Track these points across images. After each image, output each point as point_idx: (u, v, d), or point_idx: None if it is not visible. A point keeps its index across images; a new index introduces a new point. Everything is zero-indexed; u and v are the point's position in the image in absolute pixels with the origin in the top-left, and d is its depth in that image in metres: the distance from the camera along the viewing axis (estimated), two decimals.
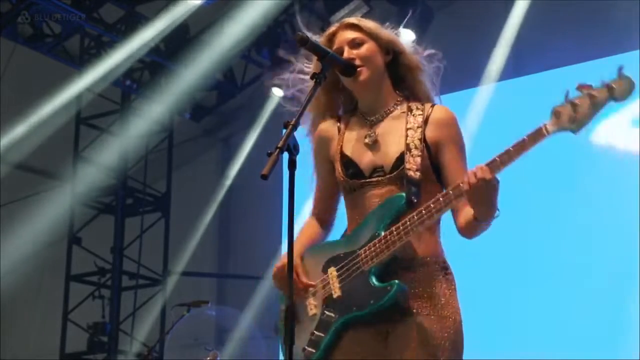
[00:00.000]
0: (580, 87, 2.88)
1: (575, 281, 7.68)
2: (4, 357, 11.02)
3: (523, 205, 8.07)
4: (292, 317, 2.87)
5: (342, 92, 3.42)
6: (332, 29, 3.37)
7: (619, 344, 7.40)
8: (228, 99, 10.74)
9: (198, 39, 9.65)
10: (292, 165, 2.93)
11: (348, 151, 3.30)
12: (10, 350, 11.12)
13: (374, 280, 3.10)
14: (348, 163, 3.28)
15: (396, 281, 3.07)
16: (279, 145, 2.88)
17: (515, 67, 8.57)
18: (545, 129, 2.92)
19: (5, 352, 11.10)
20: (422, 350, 3.04)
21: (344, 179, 3.28)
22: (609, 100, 2.82)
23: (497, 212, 3.01)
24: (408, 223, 3.06)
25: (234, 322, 9.54)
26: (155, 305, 10.26)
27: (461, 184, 2.99)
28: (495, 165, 2.95)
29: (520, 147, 2.94)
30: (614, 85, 2.82)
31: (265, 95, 10.15)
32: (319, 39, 3.33)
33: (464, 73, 8.29)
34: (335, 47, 3.31)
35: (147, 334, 10.16)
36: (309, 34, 3.24)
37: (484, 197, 2.98)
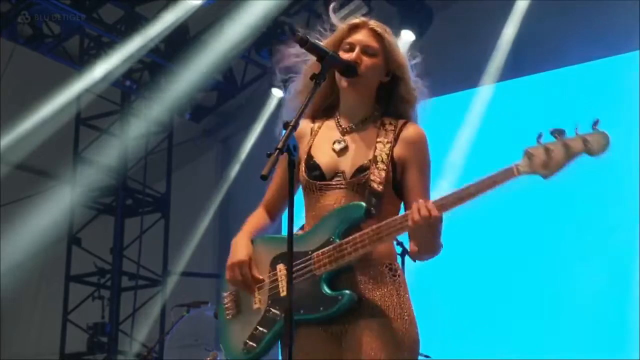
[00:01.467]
0: (554, 132, 2.83)
1: (575, 281, 7.68)
2: (4, 358, 11.02)
3: (522, 206, 8.08)
4: (291, 317, 2.86)
5: (333, 93, 3.42)
6: (357, 21, 3.38)
7: (619, 344, 7.40)
8: (228, 99, 10.74)
9: (198, 39, 9.64)
10: (292, 165, 2.93)
11: (315, 153, 3.32)
12: (10, 351, 11.12)
13: (325, 288, 3.13)
14: (313, 165, 3.30)
15: (347, 291, 3.10)
16: (279, 146, 2.88)
17: (515, 68, 8.57)
18: (517, 169, 2.91)
19: (5, 353, 11.10)
20: (366, 351, 3.06)
21: (306, 179, 3.30)
22: (583, 153, 2.80)
23: (440, 248, 3.09)
24: (365, 237, 3.09)
25: None
26: (155, 306, 10.26)
27: (408, 216, 3.02)
28: (446, 203, 2.98)
29: (486, 185, 2.93)
30: (589, 139, 2.79)
31: (265, 96, 10.16)
32: (339, 23, 3.39)
33: (463, 73, 8.29)
34: (349, 40, 3.32)
35: (147, 334, 10.17)
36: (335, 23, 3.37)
37: (424, 235, 3.03)
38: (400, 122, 3.30)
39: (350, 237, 3.11)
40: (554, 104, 8.27)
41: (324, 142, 3.34)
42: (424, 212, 2.95)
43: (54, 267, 10.75)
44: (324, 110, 3.44)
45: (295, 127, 2.96)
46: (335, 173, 3.26)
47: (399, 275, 3.20)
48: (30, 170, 10.65)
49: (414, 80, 3.36)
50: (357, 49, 3.29)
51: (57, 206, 10.15)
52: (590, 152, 2.79)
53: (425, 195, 3.19)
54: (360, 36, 3.32)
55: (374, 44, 3.30)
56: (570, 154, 2.81)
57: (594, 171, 8.02)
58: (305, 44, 3.15)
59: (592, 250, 7.68)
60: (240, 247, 3.32)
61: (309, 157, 3.32)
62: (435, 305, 7.47)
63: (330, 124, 3.39)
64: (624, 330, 7.34)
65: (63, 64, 9.55)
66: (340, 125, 3.35)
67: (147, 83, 10.21)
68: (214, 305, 7.38)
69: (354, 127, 3.33)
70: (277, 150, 2.87)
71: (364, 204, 3.14)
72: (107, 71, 9.38)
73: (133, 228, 10.50)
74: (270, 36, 9.52)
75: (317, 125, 3.40)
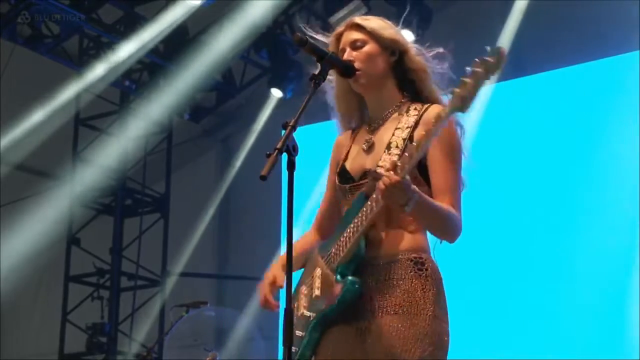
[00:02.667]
0: (472, 64, 2.81)
1: (575, 281, 7.68)
2: (3, 358, 11.02)
3: (521, 205, 8.08)
4: (290, 318, 2.87)
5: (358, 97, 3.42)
6: (340, 28, 3.37)
7: (619, 344, 7.40)
8: (227, 99, 10.73)
9: (197, 39, 9.64)
10: (291, 166, 2.93)
11: (348, 159, 3.33)
12: (9, 351, 11.12)
13: (337, 277, 3.13)
14: (342, 171, 3.31)
15: (349, 277, 3.09)
16: (278, 147, 2.88)
17: (514, 68, 8.56)
18: (444, 111, 2.88)
19: (5, 353, 11.10)
20: (389, 347, 3.04)
21: (337, 184, 3.31)
22: (486, 74, 2.77)
23: (413, 196, 2.94)
24: (357, 220, 3.09)
25: (233, 323, 9.53)
26: (154, 306, 10.26)
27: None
28: (401, 165, 2.90)
29: (425, 135, 2.89)
30: (489, 59, 2.76)
31: (264, 96, 10.15)
32: (328, 38, 3.36)
33: (462, 73, 8.28)
34: (340, 47, 3.31)
35: (146, 334, 10.16)
36: (315, 34, 3.32)
37: (396, 198, 2.94)
38: (426, 105, 3.25)
39: (350, 225, 3.12)
40: (554, 104, 8.27)
41: (357, 147, 3.34)
42: (385, 181, 2.89)
43: (53, 268, 10.74)
44: (361, 117, 3.43)
45: (294, 127, 2.95)
46: (363, 173, 3.23)
47: (426, 269, 3.12)
48: (29, 170, 10.64)
49: (416, 48, 3.33)
50: (347, 50, 3.28)
51: (56, 206, 10.14)
52: (489, 70, 2.76)
53: (448, 175, 3.14)
54: (346, 37, 3.32)
55: (357, 36, 3.29)
56: (476, 78, 2.78)
57: (594, 171, 8.05)
58: (304, 45, 3.15)
59: (592, 250, 7.68)
60: (267, 273, 3.40)
61: (342, 166, 3.33)
62: None
63: (364, 127, 3.38)
64: (624, 330, 7.34)
65: (62, 64, 9.54)
66: (370, 125, 3.33)
67: (146, 83, 10.20)
68: (213, 306, 7.39)
69: (380, 122, 3.30)
70: (277, 151, 2.87)
71: (364, 192, 3.14)
72: (106, 71, 9.38)
73: (132, 228, 10.50)
74: (269, 37, 9.52)
75: (355, 134, 3.40)
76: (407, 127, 3.18)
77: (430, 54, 3.34)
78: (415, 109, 3.24)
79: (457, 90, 2.82)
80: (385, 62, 3.30)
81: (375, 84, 3.29)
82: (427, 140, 2.88)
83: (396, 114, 3.27)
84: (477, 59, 2.79)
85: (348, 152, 3.37)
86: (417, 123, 3.18)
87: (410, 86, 3.33)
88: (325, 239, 3.39)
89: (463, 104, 2.81)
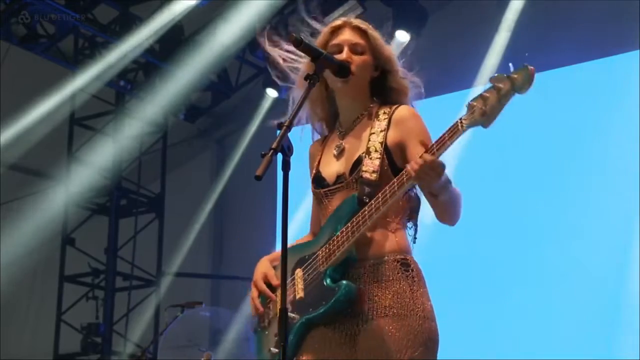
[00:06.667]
0: (491, 80, 2.80)
1: (574, 280, 7.68)
2: None
3: (519, 203, 8.08)
4: (285, 317, 2.86)
5: (330, 101, 3.44)
6: (339, 22, 3.38)
7: (618, 344, 7.40)
8: (222, 99, 10.73)
9: (192, 39, 9.64)
10: (286, 166, 2.94)
11: (321, 166, 3.36)
12: (4, 351, 11.10)
13: (327, 281, 3.13)
14: (318, 177, 3.34)
15: (344, 282, 3.10)
16: (273, 146, 2.89)
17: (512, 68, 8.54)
18: (461, 124, 2.87)
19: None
20: (381, 350, 3.05)
21: (313, 190, 3.35)
22: (512, 92, 2.75)
23: (449, 182, 2.99)
24: (354, 222, 3.08)
25: (227, 323, 9.52)
26: (149, 306, 10.25)
27: (404, 172, 2.97)
28: (436, 147, 2.92)
29: (440, 145, 2.90)
30: (515, 77, 2.75)
31: (259, 96, 10.15)
32: (322, 28, 3.39)
33: (459, 73, 8.28)
34: (335, 42, 3.32)
35: (141, 334, 10.15)
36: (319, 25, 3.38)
37: (431, 178, 2.94)
38: (394, 107, 3.28)
39: (343, 227, 3.11)
40: (553, 104, 8.25)
41: (328, 153, 3.37)
42: (419, 161, 2.91)
43: (48, 268, 10.73)
44: (332, 123, 3.45)
45: (289, 127, 2.96)
46: (337, 177, 3.27)
47: (412, 270, 3.15)
48: (24, 170, 10.63)
49: (402, 71, 3.35)
50: (345, 49, 3.29)
51: (51, 206, 10.13)
52: (516, 89, 2.74)
53: None
54: (346, 36, 3.32)
55: (360, 41, 3.31)
56: (501, 97, 2.76)
57: (594, 170, 8.04)
58: (299, 44, 3.16)
59: (592, 250, 7.68)
60: (256, 269, 3.39)
61: (317, 172, 3.36)
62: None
63: (334, 134, 3.41)
64: (624, 330, 7.34)
65: (57, 64, 9.53)
66: (340, 130, 3.37)
67: (141, 83, 10.19)
68: (208, 306, 7.38)
69: (350, 128, 3.33)
70: (272, 151, 2.88)
71: (356, 194, 3.14)
72: (101, 71, 9.37)
73: (127, 228, 10.49)
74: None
75: (325, 142, 3.44)
76: (382, 131, 3.21)
77: (411, 79, 3.36)
78: (384, 112, 3.27)
79: (474, 103, 2.82)
80: (370, 74, 3.34)
81: (356, 90, 3.32)
82: (444, 148, 2.90)
83: (366, 119, 3.31)
84: (499, 75, 2.79)
85: (320, 158, 3.39)
86: (389, 125, 3.22)
87: (382, 94, 3.36)
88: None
89: (484, 119, 2.81)
